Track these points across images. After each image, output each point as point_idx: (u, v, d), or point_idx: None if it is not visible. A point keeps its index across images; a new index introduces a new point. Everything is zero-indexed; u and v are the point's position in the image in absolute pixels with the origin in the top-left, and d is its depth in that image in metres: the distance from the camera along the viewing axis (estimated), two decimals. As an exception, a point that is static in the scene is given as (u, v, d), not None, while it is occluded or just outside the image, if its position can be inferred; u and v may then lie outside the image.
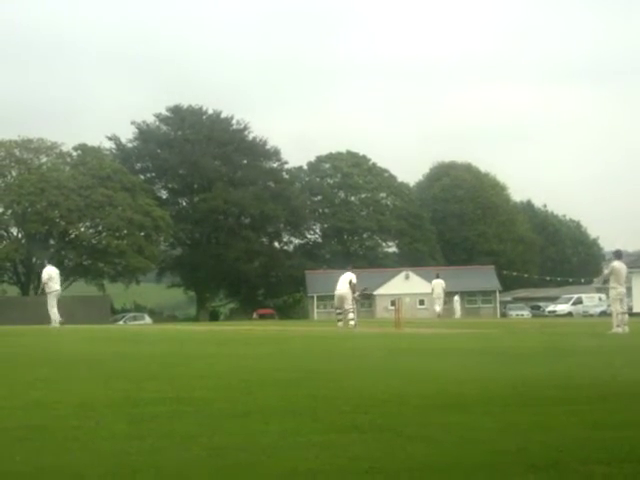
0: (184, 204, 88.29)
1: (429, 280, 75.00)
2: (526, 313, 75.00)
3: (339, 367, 9.71)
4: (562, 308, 73.23)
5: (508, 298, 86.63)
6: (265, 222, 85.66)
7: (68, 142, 78.29)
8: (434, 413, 5.75)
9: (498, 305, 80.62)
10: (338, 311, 26.35)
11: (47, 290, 27.18)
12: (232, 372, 8.90)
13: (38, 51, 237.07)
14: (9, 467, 4.07)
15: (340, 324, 25.38)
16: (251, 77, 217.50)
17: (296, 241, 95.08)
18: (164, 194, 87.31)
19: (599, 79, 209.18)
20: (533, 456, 4.24)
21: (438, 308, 44.37)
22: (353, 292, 26.18)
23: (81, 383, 7.79)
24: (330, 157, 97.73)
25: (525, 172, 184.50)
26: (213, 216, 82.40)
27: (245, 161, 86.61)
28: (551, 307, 75.19)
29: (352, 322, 25.54)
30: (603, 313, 61.51)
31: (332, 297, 27.86)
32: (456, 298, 62.95)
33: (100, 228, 74.15)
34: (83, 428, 5.15)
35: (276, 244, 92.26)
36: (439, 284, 45.03)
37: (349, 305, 25.96)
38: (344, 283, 25.98)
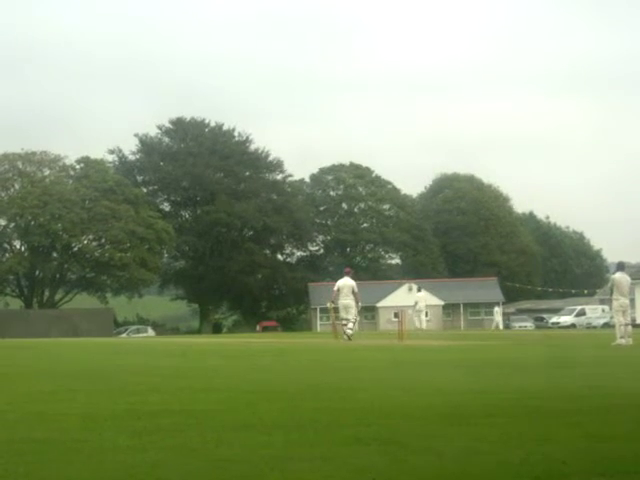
0: (187, 216, 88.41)
1: (433, 292, 75.30)
2: (529, 325, 74.89)
3: (342, 379, 9.70)
4: (565, 320, 73.12)
5: (511, 310, 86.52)
6: (268, 234, 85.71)
7: (71, 155, 78.66)
8: (437, 425, 5.74)
9: (501, 317, 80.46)
10: (344, 322, 25.25)
11: None
12: (235, 384, 8.90)
13: (41, 64, 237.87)
14: (12, 480, 4.07)
15: (349, 332, 24.68)
16: (253, 90, 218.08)
17: (299, 253, 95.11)
18: (167, 207, 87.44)
19: (604, 90, 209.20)
20: (536, 468, 4.23)
21: (424, 322, 44.85)
22: (357, 302, 25.60)
23: (84, 396, 7.79)
24: (333, 169, 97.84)
25: (528, 184, 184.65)
26: (216, 228, 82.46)
27: (248, 173, 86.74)
28: (554, 319, 75.04)
29: (349, 331, 25.05)
30: (606, 325, 61.43)
31: (334, 309, 26.90)
32: (496, 309, 63.01)
33: (103, 241, 74.26)
34: (86, 441, 5.15)
35: (279, 256, 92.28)
36: (422, 298, 45.71)
37: (352, 315, 25.38)
38: (349, 293, 25.28)
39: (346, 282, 25.54)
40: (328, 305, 27.95)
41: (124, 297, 78.43)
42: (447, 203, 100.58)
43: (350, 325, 25.13)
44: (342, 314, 25.48)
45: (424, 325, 44.52)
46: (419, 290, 48.01)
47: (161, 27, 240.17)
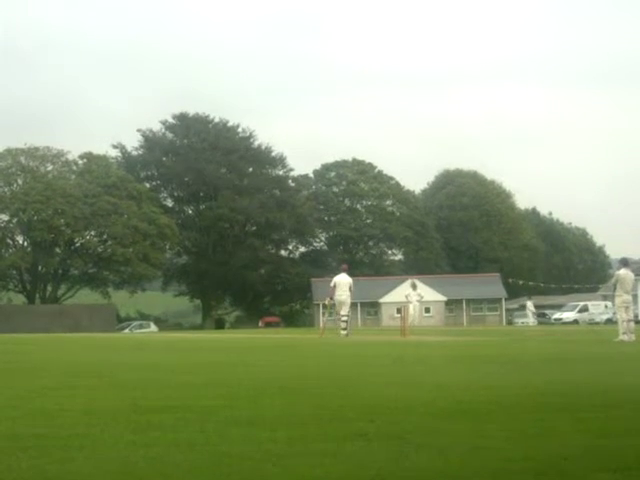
0: (190, 212, 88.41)
1: (435, 288, 75.28)
2: (532, 321, 74.80)
3: (345, 375, 9.70)
4: (568, 316, 73.13)
5: (514, 306, 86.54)
6: (271, 230, 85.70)
7: (74, 150, 78.66)
8: (440, 421, 5.74)
9: (504, 313, 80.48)
10: (344, 317, 25.32)
11: None
12: (238, 380, 8.90)
13: (44, 59, 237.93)
14: (15, 475, 4.07)
15: (344, 332, 24.75)
16: (257, 86, 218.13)
17: (302, 249, 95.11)
18: (170, 202, 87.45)
19: (606, 85, 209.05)
20: (539, 464, 4.23)
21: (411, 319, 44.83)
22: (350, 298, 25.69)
23: (86, 391, 7.79)
24: (336, 165, 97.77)
25: (530, 180, 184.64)
26: (219, 224, 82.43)
27: (251, 169, 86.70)
28: (557, 315, 75.05)
29: (343, 332, 24.96)
30: (609, 321, 61.41)
31: (332, 305, 26.76)
32: (529, 304, 63.05)
33: (106, 236, 74.28)
34: (88, 436, 5.15)
35: (282, 252, 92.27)
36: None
37: (345, 312, 25.36)
38: (345, 289, 25.35)
39: (342, 278, 25.65)
40: (327, 302, 27.90)
41: (126, 293, 78.42)
42: (450, 199, 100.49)
43: (343, 325, 25.15)
44: (337, 309, 25.70)
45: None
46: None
47: (165, 22, 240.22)
